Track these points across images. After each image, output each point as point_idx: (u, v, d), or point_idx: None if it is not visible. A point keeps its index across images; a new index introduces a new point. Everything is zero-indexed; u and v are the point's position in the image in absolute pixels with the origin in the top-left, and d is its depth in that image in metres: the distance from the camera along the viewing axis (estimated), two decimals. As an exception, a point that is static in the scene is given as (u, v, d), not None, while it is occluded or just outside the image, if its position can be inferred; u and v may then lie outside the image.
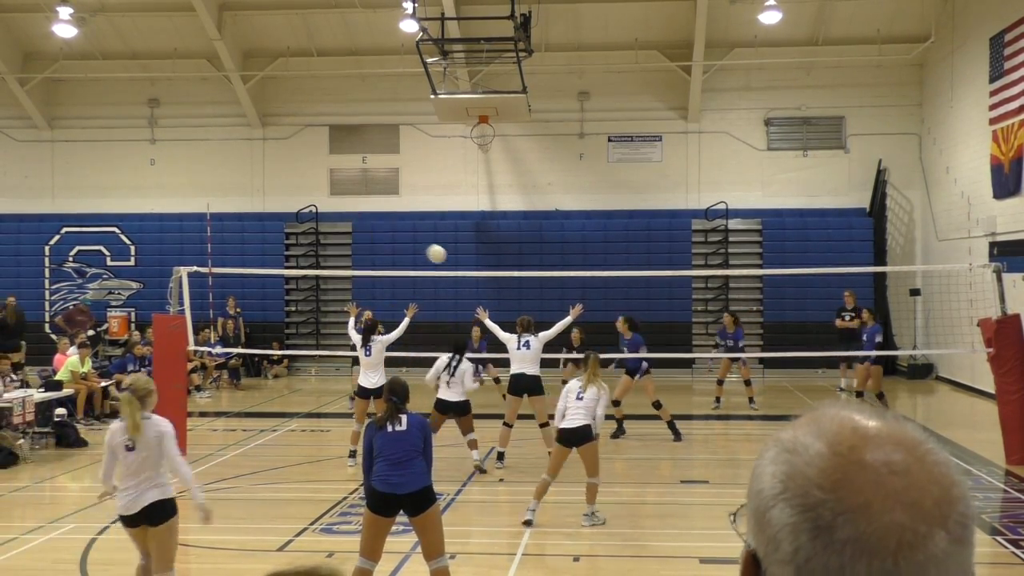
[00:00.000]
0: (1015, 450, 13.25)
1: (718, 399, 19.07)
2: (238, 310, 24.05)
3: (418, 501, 7.01)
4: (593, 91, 25.40)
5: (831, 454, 1.09)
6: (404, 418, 7.39)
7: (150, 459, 7.12)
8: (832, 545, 1.04)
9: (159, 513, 7.08)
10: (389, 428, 7.30)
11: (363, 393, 13.20)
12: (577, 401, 10.23)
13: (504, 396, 15.02)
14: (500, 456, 13.32)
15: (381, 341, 13.23)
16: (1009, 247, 18.65)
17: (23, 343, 21.62)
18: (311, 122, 26.10)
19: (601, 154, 25.52)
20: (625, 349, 15.62)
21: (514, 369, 13.49)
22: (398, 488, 7.03)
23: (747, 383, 18.84)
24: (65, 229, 25.87)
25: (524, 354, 13.36)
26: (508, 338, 13.57)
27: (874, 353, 17.09)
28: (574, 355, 16.95)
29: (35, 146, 26.77)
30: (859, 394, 17.60)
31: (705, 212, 24.62)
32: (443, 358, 12.94)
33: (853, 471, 1.07)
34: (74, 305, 24.37)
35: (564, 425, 10.17)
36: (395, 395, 7.46)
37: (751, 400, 18.72)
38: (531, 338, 13.42)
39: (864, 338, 17.39)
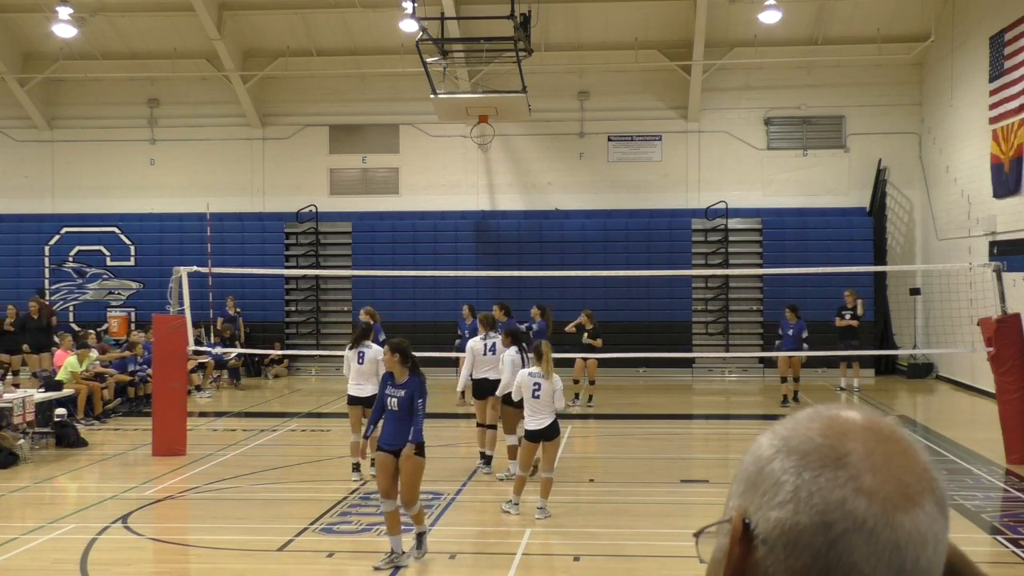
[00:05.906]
0: (1015, 449, 13.25)
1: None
2: (238, 310, 24.03)
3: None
4: (593, 91, 25.38)
5: (826, 427, 1.15)
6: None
7: None
8: (836, 479, 1.09)
9: None
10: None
11: (354, 401, 12.48)
12: (534, 400, 10.44)
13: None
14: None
15: (374, 352, 12.19)
16: (1009, 246, 18.65)
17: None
18: (311, 122, 26.08)
19: (601, 153, 25.51)
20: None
21: (479, 374, 12.91)
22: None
23: None
24: (65, 229, 25.85)
25: (490, 358, 12.77)
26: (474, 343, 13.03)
27: (801, 354, 18.78)
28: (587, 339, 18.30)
29: (35, 146, 26.75)
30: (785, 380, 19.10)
31: (705, 211, 24.60)
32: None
33: (852, 432, 1.13)
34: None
35: (531, 427, 10.42)
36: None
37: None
38: (497, 340, 12.75)
39: (791, 332, 18.90)
